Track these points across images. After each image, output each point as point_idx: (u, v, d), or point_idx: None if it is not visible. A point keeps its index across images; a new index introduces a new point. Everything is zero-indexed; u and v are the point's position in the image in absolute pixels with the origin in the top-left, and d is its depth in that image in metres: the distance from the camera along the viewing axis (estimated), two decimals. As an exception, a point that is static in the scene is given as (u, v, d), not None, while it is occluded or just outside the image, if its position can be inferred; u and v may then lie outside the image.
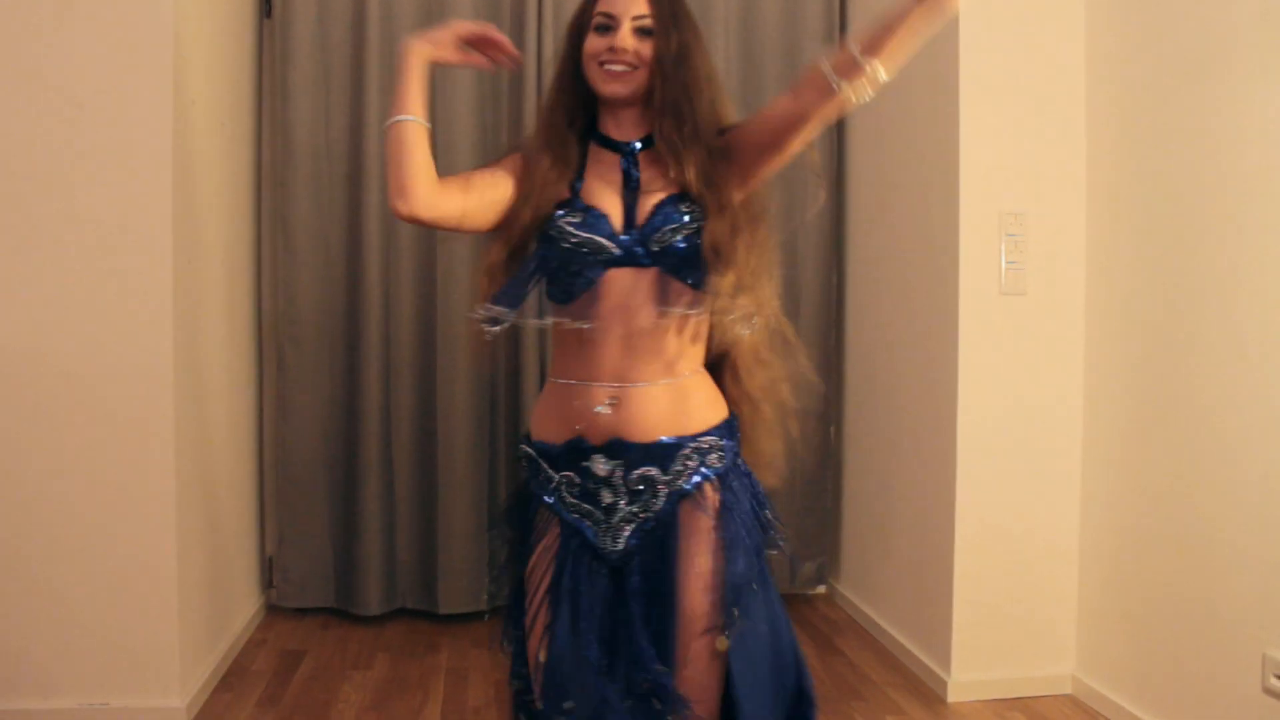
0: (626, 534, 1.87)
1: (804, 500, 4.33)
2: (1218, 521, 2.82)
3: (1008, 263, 3.33)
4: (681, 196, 1.87)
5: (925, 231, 3.57)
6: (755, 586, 1.87)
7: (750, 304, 1.85)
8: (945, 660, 3.41)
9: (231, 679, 3.50)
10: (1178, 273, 2.96)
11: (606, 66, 1.87)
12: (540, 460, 1.93)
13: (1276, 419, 2.63)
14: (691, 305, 1.87)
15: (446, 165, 3.93)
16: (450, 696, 3.39)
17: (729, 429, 1.94)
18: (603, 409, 1.86)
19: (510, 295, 1.84)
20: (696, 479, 1.88)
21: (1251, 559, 2.70)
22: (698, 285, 1.86)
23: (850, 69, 1.69)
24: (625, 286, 1.85)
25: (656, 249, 1.84)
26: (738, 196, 1.89)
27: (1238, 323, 2.75)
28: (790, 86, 1.82)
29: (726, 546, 1.86)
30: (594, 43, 1.88)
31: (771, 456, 2.01)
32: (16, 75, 2.97)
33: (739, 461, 1.96)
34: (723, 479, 1.90)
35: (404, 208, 1.80)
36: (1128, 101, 3.18)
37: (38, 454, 3.03)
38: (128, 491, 3.06)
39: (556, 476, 1.90)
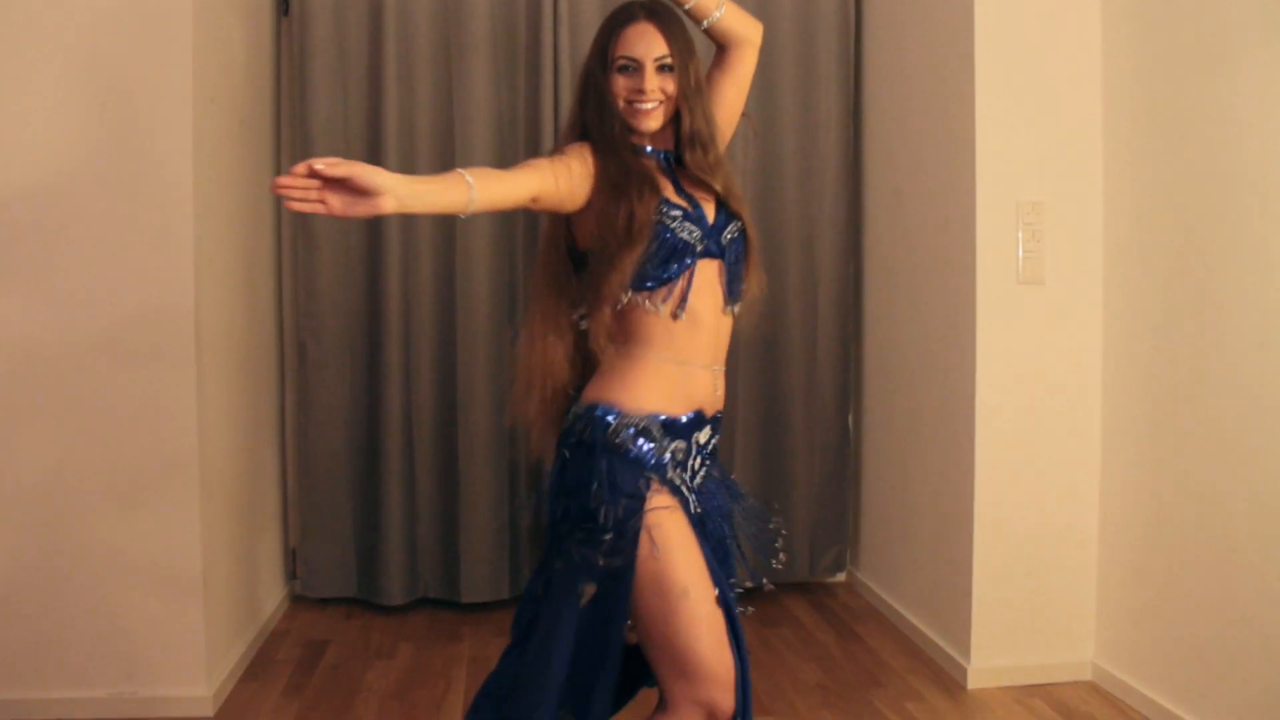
0: (698, 493, 2.10)
1: (823, 488, 4.33)
2: (1237, 507, 2.81)
3: (1025, 252, 3.32)
4: (721, 203, 2.10)
5: (942, 221, 3.57)
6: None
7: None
8: (965, 647, 3.42)
9: (256, 668, 3.53)
10: (1196, 260, 2.95)
11: (636, 105, 2.05)
12: (655, 430, 2.03)
13: None
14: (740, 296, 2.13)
15: (465, 159, 3.98)
16: (473, 685, 3.39)
17: None
18: (716, 386, 2.10)
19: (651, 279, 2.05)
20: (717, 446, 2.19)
21: (1270, 546, 2.70)
22: (739, 280, 2.12)
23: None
24: (710, 276, 2.07)
25: (726, 243, 2.07)
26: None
27: (1257, 310, 2.74)
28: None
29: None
30: (620, 84, 2.06)
31: None
32: (38, 74, 3.00)
33: None
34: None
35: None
36: (1144, 89, 3.17)
37: (63, 446, 3.07)
38: (153, 485, 3.10)
39: (670, 445, 2.04)
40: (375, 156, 3.98)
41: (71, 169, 3.02)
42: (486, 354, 4.05)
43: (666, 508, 1.99)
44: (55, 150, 3.02)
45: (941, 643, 3.59)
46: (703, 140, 2.09)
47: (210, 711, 3.15)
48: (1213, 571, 2.90)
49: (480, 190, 1.82)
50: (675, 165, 2.14)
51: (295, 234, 4.07)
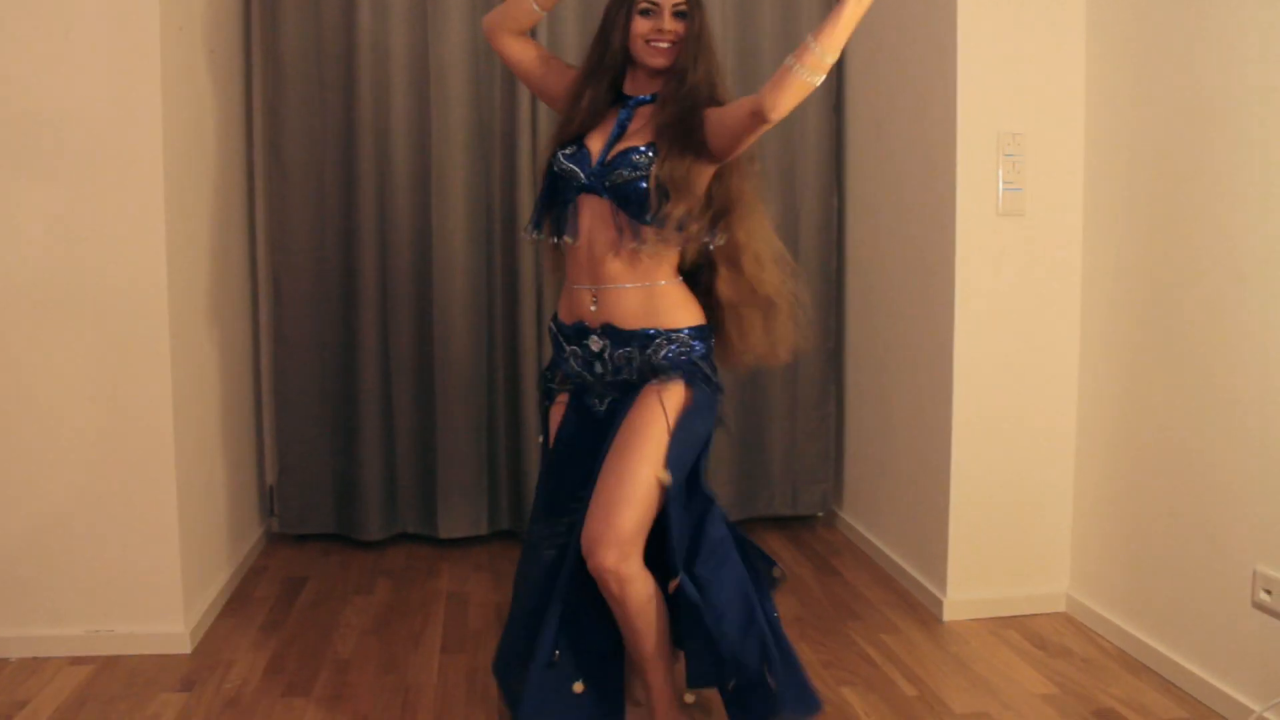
0: (609, 397, 2.44)
1: (806, 426, 4.33)
2: (1210, 439, 2.82)
3: (1005, 183, 3.30)
4: (649, 145, 2.32)
5: (923, 153, 3.54)
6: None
7: (699, 230, 2.34)
8: (941, 580, 3.44)
9: (234, 605, 3.53)
10: (1177, 192, 2.93)
11: (653, 44, 2.34)
12: (559, 335, 2.50)
13: (1272, 337, 2.62)
14: (636, 234, 2.32)
15: (440, 85, 3.91)
16: (450, 620, 3.42)
17: (699, 332, 2.42)
18: (594, 306, 2.40)
19: (534, 216, 2.48)
20: (664, 364, 2.36)
21: (1243, 476, 2.71)
22: (640, 217, 2.30)
23: (806, 55, 2.08)
24: (591, 211, 2.38)
25: (608, 185, 2.33)
26: (703, 162, 2.32)
27: (1238, 242, 2.72)
28: (756, 97, 2.18)
29: (682, 414, 2.32)
30: (641, 25, 2.34)
31: (785, 339, 2.50)
32: (3, 4, 2.92)
33: (704, 363, 2.41)
34: (686, 370, 2.37)
35: (485, 22, 2.51)
36: (1128, 18, 3.12)
37: (34, 382, 3.04)
38: (126, 421, 3.08)
39: (568, 348, 2.47)
40: (349, 83, 3.93)
41: (34, 100, 2.96)
42: (464, 285, 4.02)
43: (557, 391, 2.54)
44: (17, 80, 2.95)
45: (918, 576, 3.61)
46: (681, 73, 2.34)
47: (188, 648, 3.15)
48: (1185, 502, 2.92)
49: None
50: (644, 105, 2.42)
51: (268, 164, 4.01)
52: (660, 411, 2.32)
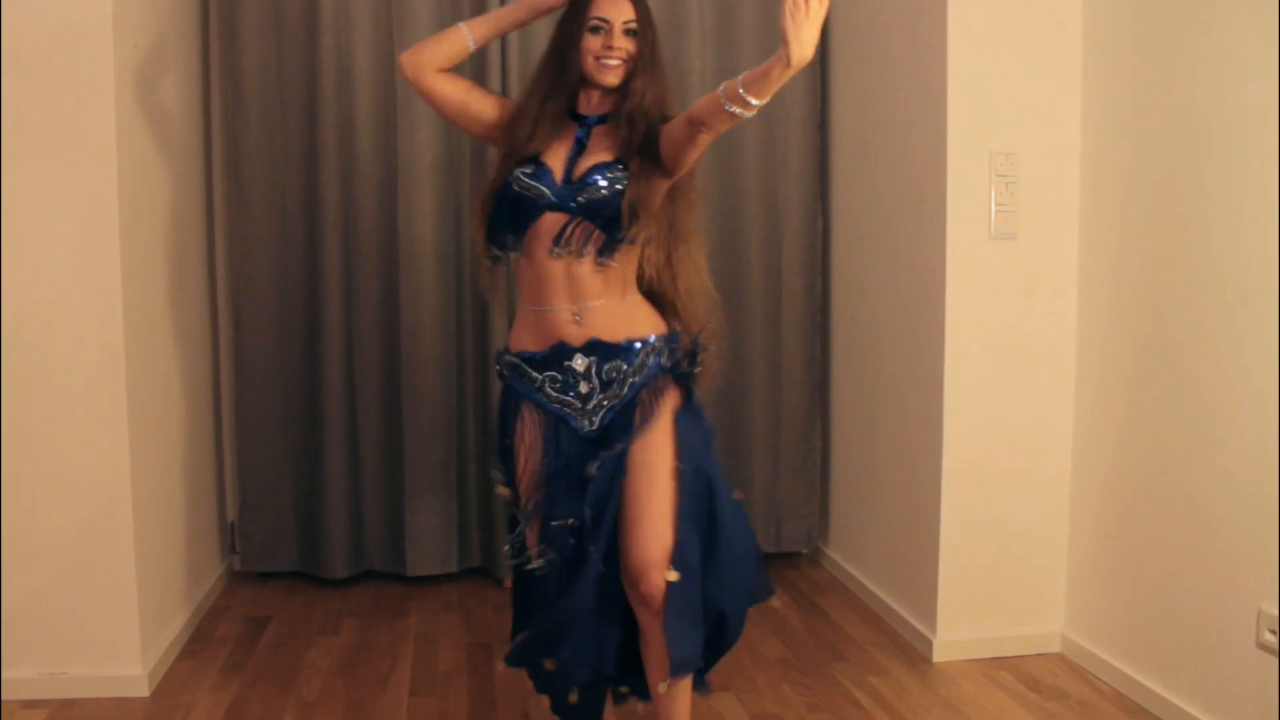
0: (600, 415, 2.42)
1: (790, 458, 4.26)
2: (1211, 472, 2.79)
3: (998, 205, 3.26)
4: (615, 163, 2.38)
5: (911, 173, 3.49)
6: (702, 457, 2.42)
7: (658, 253, 2.44)
8: (931, 619, 3.38)
9: (195, 646, 3.47)
10: (1175, 213, 2.90)
11: (602, 61, 2.39)
12: (524, 366, 2.47)
13: (1271, 370, 2.58)
14: (606, 250, 2.38)
15: (406, 106, 3.81)
16: (420, 661, 3.36)
17: (670, 338, 2.50)
18: (577, 320, 2.40)
19: (492, 234, 2.46)
20: (653, 371, 2.44)
21: (1244, 512, 2.68)
22: (612, 234, 2.36)
23: (734, 96, 2.14)
24: (555, 229, 2.39)
25: (583, 200, 2.36)
26: (661, 179, 2.38)
27: (1238, 265, 2.69)
28: (693, 108, 2.26)
29: (678, 417, 2.41)
30: (590, 42, 2.39)
31: (703, 374, 2.54)
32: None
33: (681, 364, 2.48)
34: (668, 372, 2.46)
35: (407, 61, 2.46)
36: (1125, 35, 3.09)
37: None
38: (81, 458, 3.03)
39: (540, 377, 2.44)
40: (312, 103, 3.87)
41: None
42: (433, 312, 3.95)
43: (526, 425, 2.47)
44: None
45: (907, 615, 3.55)
46: (641, 94, 2.40)
47: (146, 691, 3.09)
48: (1185, 539, 2.88)
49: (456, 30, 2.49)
50: (599, 124, 2.46)
51: (228, 187, 3.95)
52: (667, 422, 2.40)
